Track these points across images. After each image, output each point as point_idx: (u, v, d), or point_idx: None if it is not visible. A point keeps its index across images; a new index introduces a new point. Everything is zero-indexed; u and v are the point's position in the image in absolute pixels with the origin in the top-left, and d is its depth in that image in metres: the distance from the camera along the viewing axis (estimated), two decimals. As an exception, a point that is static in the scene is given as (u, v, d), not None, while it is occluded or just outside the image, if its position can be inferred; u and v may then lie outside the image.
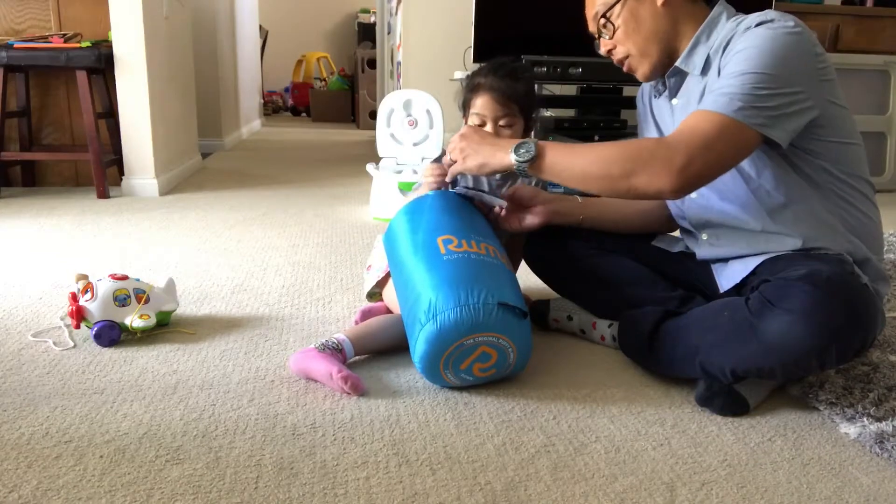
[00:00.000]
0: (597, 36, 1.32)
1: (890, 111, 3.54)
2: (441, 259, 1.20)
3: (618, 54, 1.31)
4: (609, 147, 1.16)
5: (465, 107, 1.44)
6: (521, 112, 1.42)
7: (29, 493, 0.89)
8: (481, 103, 1.39)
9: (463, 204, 1.36)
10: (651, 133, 1.45)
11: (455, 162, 1.30)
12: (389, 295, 1.41)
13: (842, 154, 1.19)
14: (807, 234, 1.19)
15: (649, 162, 1.11)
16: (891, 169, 3.58)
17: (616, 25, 1.27)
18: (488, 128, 1.39)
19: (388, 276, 1.41)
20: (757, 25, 1.15)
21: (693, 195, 1.33)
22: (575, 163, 1.18)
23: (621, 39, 1.28)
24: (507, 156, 1.22)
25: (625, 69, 1.33)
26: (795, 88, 1.11)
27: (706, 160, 1.10)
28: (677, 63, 1.28)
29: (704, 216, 1.32)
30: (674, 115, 1.33)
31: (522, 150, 1.20)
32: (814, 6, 3.91)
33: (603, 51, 1.33)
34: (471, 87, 1.41)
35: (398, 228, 1.33)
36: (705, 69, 1.24)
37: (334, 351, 1.23)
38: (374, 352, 1.33)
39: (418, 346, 1.15)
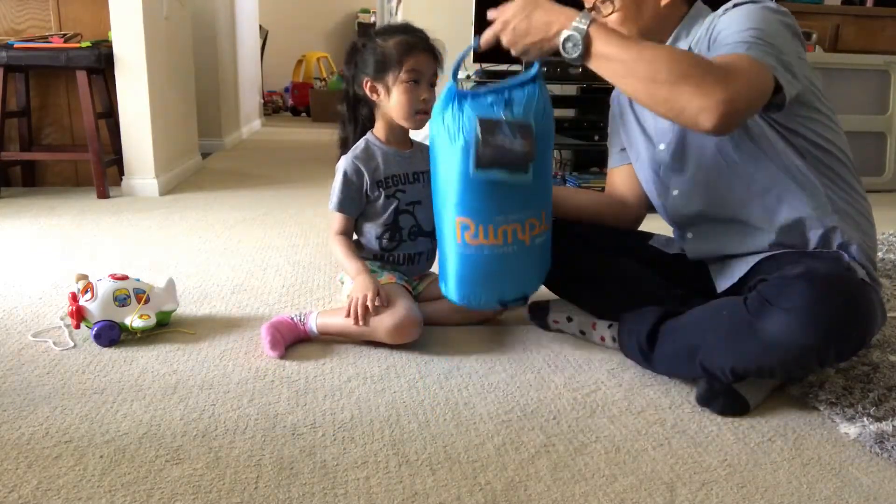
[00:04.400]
0: (591, 6, 1.30)
1: (890, 111, 3.54)
2: (456, 247, 1.27)
3: None
4: (663, 49, 1.09)
5: (383, 68, 1.38)
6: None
7: (29, 493, 0.89)
8: (420, 61, 1.38)
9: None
10: (623, 135, 1.46)
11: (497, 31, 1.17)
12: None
13: (826, 135, 1.20)
14: (793, 220, 1.20)
15: (702, 78, 1.01)
16: (891, 169, 3.58)
17: (616, 6, 1.26)
18: (422, 85, 1.39)
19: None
20: (736, 6, 1.17)
21: (674, 192, 1.33)
22: (622, 57, 1.07)
23: (615, 22, 1.27)
24: (554, 43, 1.11)
25: None
26: (785, 50, 1.10)
27: (749, 96, 1.03)
28: None
29: (686, 213, 1.32)
30: None
31: (569, 45, 1.09)
32: (814, 6, 3.91)
33: None
34: (405, 48, 1.37)
35: (437, 139, 1.25)
36: None
37: (298, 321, 1.40)
38: (334, 335, 1.41)
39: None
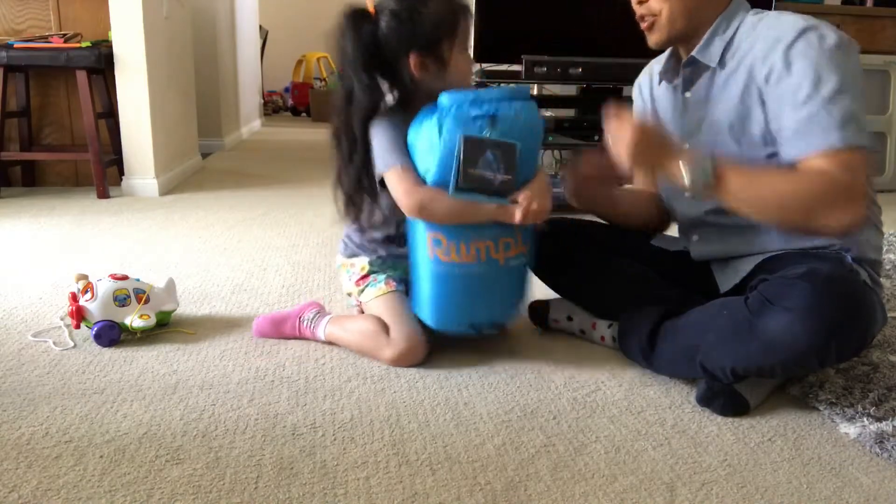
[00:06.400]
0: None
1: (890, 111, 3.54)
2: (428, 264, 1.25)
3: (647, 9, 1.23)
4: (788, 182, 1.12)
5: (436, 39, 1.22)
6: None
7: (29, 493, 0.89)
8: (468, 25, 1.26)
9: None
10: None
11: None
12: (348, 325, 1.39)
13: None
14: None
15: (832, 202, 1.08)
16: (891, 169, 3.58)
17: None
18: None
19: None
20: (803, 34, 1.15)
21: (686, 193, 1.32)
22: (753, 195, 1.12)
23: None
24: (676, 170, 1.13)
25: (642, 26, 1.26)
26: (858, 95, 1.11)
27: (867, 189, 1.11)
28: (694, 53, 1.24)
29: (694, 216, 1.32)
30: (687, 110, 1.30)
31: (698, 171, 1.11)
32: (814, 6, 3.90)
33: None
34: (453, 13, 1.23)
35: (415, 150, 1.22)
36: (722, 62, 1.22)
37: (307, 327, 1.40)
38: (338, 345, 1.39)
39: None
